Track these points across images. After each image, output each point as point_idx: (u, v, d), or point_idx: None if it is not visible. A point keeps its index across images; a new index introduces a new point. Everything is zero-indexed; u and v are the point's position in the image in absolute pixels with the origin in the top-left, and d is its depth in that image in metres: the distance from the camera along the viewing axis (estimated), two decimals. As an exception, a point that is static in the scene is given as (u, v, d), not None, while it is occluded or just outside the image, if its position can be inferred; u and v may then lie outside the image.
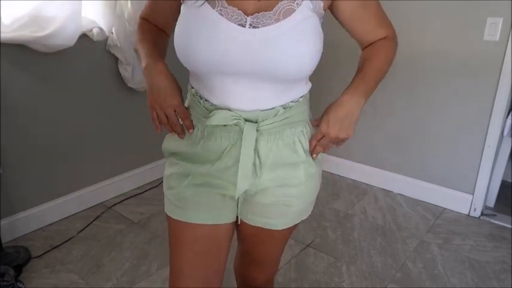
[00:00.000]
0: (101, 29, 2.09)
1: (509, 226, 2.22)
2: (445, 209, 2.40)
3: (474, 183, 2.28)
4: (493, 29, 2.02)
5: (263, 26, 0.78)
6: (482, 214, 2.32)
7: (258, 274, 1.15)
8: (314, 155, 0.95)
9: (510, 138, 2.25)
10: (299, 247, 2.04)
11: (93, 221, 2.26)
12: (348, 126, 0.90)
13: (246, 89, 0.84)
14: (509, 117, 2.15)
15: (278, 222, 0.98)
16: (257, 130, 0.87)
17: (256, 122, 0.87)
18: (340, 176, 2.79)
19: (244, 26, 0.78)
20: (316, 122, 0.95)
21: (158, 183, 2.66)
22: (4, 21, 1.78)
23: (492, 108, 2.13)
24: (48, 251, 2.00)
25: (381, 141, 2.58)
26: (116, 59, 2.29)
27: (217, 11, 0.80)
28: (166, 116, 0.90)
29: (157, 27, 0.99)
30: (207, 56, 0.80)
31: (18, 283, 1.73)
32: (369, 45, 0.97)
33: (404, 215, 2.34)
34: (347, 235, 2.16)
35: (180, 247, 1.00)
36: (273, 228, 0.99)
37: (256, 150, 0.89)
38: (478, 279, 1.83)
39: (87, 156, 2.32)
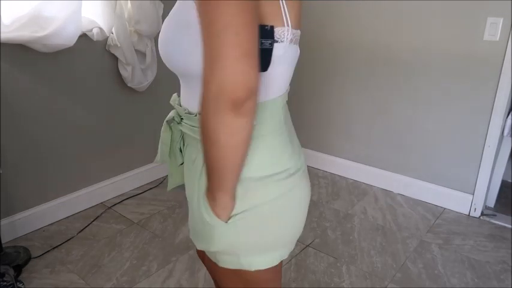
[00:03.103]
0: (100, 29, 2.09)
1: (509, 226, 2.22)
2: (445, 209, 2.40)
3: (474, 183, 2.28)
4: (493, 29, 2.02)
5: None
6: (482, 214, 2.32)
7: None
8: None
9: (510, 138, 2.25)
10: (299, 247, 2.04)
11: (93, 221, 2.26)
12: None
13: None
14: (509, 117, 2.15)
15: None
16: (178, 123, 0.85)
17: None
18: (340, 176, 2.79)
19: None
20: None
21: (158, 183, 2.66)
22: (4, 21, 1.78)
23: (492, 108, 2.13)
24: (48, 251, 2.00)
25: (381, 141, 2.57)
26: (116, 59, 2.29)
27: None
28: None
29: None
30: None
31: (18, 283, 1.73)
32: None
33: (404, 215, 2.34)
34: (347, 235, 2.15)
35: None
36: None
37: (181, 143, 0.89)
38: (478, 279, 1.83)
39: (87, 156, 2.33)
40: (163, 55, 0.76)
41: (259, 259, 0.84)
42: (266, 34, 0.69)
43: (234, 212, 0.78)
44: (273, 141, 0.79)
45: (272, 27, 0.70)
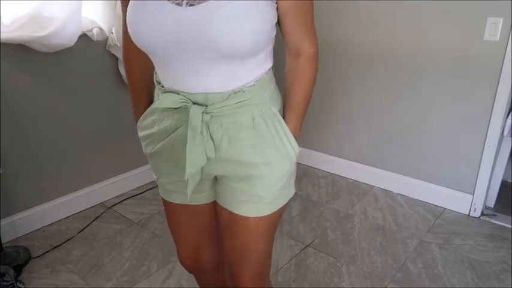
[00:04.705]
0: (100, 29, 2.09)
1: (509, 226, 2.22)
2: (445, 209, 2.40)
3: (474, 183, 2.28)
4: (493, 29, 2.02)
5: (198, 4, 0.79)
6: (482, 214, 2.32)
7: (242, 270, 1.06)
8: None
9: (510, 138, 2.24)
10: (299, 247, 2.04)
11: (93, 221, 2.26)
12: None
13: (193, 71, 0.86)
14: (509, 117, 2.14)
15: (244, 207, 0.97)
16: (207, 113, 0.88)
17: (206, 106, 0.88)
18: (340, 176, 2.79)
19: (181, 5, 0.80)
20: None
21: (158, 183, 2.66)
22: (4, 21, 1.78)
23: (492, 108, 2.12)
24: (48, 251, 2.01)
25: (381, 141, 2.58)
26: (116, 59, 2.29)
27: None
28: None
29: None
30: (154, 38, 0.82)
31: (18, 283, 1.73)
32: (294, 64, 0.95)
33: (404, 215, 2.34)
34: (347, 235, 2.16)
35: (167, 219, 1.17)
36: (241, 214, 0.98)
37: (209, 133, 0.90)
38: (478, 279, 1.83)
39: (87, 156, 2.33)
40: (227, 40, 0.79)
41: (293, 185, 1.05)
42: None
43: None
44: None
45: None
